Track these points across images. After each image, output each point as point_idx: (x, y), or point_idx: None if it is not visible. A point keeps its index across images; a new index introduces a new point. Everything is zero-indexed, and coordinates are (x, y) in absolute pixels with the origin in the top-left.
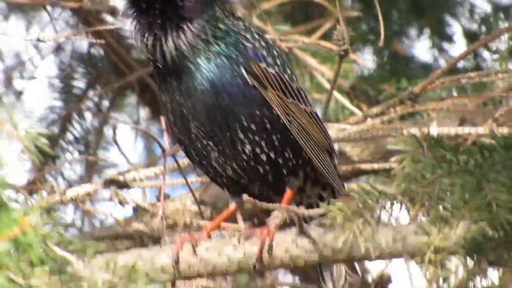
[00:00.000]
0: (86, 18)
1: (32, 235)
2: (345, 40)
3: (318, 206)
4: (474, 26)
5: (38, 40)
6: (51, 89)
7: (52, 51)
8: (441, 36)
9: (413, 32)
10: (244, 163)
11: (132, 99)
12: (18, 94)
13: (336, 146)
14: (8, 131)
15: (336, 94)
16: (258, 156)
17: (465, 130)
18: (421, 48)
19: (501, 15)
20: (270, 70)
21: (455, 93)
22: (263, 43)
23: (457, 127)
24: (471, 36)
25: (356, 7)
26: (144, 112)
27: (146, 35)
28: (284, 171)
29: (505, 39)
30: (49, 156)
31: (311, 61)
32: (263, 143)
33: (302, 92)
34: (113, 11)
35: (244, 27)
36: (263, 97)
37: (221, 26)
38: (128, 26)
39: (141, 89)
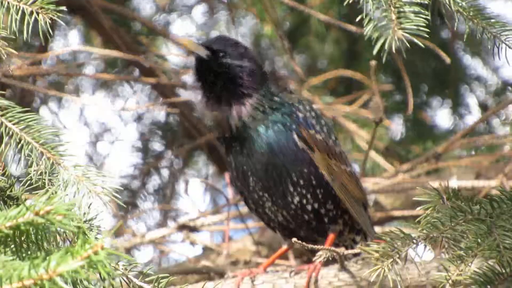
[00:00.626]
0: (163, 91)
1: (103, 254)
2: (380, 109)
3: (353, 248)
4: (486, 98)
5: (123, 109)
6: (132, 150)
7: (133, 120)
8: (459, 105)
9: (436, 102)
10: (293, 212)
11: (201, 158)
12: (103, 157)
13: (372, 197)
14: (88, 186)
15: (372, 154)
16: (304, 206)
17: (480, 183)
18: (443, 115)
19: (509, 88)
20: (318, 136)
21: (472, 152)
22: (312, 113)
23: (473, 181)
24: (483, 106)
25: (389, 81)
26: (211, 169)
27: (214, 109)
28: (326, 219)
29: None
30: (132, 205)
31: (352, 127)
32: (309, 196)
33: (343, 155)
34: (185, 85)
35: (297, 99)
36: (311, 158)
37: (276, 99)
38: (196, 99)
39: (209, 150)
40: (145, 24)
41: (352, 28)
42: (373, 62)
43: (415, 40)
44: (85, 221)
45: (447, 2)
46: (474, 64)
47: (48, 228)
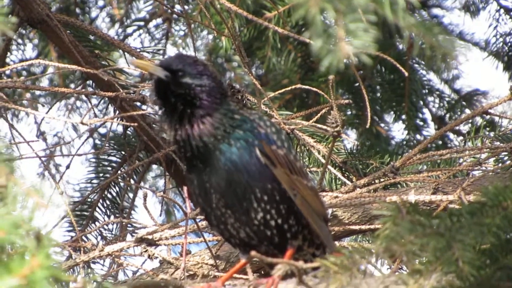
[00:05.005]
0: (120, 105)
1: (40, 273)
2: (338, 123)
3: (312, 262)
4: (442, 112)
5: (82, 123)
6: (89, 164)
7: (89, 133)
8: (415, 118)
9: (391, 115)
10: (256, 227)
11: (158, 172)
12: (60, 170)
13: (330, 211)
14: (37, 201)
15: (330, 168)
16: (268, 222)
17: (438, 197)
18: (398, 128)
19: (463, 103)
20: (279, 151)
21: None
22: (273, 129)
23: (431, 195)
24: (439, 119)
25: (343, 93)
26: (169, 183)
27: (174, 129)
28: (288, 234)
29: (468, 123)
30: (90, 218)
31: (309, 140)
32: (272, 212)
33: (303, 169)
34: (143, 100)
35: (257, 115)
36: (273, 174)
37: (237, 116)
38: (157, 117)
39: (167, 163)
40: (103, 38)
41: (308, 40)
42: (331, 77)
43: (363, 58)
44: (36, 236)
45: (398, 19)
46: (429, 77)
47: None
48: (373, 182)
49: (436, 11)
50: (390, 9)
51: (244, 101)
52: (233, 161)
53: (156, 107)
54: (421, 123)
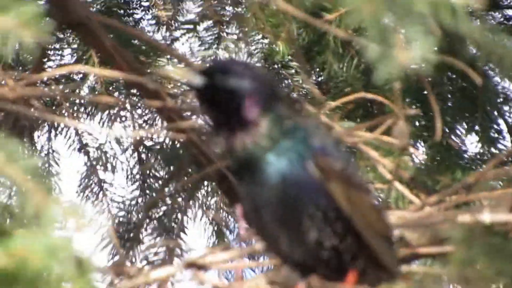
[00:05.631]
0: (169, 115)
1: None
2: (405, 136)
3: (377, 286)
4: None
5: (125, 135)
6: (134, 180)
7: (134, 146)
8: (490, 130)
9: (464, 127)
10: (310, 248)
11: (210, 188)
12: (102, 186)
13: (396, 232)
14: (77, 221)
15: (396, 184)
16: (322, 242)
17: None
18: (472, 141)
19: None
20: (335, 164)
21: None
22: (329, 139)
23: (508, 215)
24: None
25: (411, 103)
26: (221, 201)
27: (219, 138)
28: (346, 256)
29: None
30: (135, 240)
31: (374, 154)
32: (327, 230)
33: (364, 185)
34: (193, 110)
35: (312, 124)
36: (328, 189)
37: (288, 123)
38: (203, 125)
39: (219, 179)
40: (148, 42)
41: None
42: (397, 84)
43: (424, 65)
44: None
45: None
46: (504, 84)
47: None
48: (443, 200)
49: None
50: (450, 13)
51: (301, 110)
52: (282, 174)
53: (205, 118)
54: (496, 135)
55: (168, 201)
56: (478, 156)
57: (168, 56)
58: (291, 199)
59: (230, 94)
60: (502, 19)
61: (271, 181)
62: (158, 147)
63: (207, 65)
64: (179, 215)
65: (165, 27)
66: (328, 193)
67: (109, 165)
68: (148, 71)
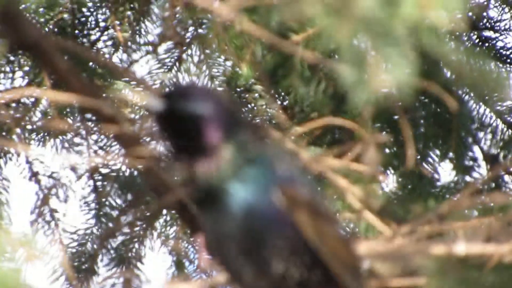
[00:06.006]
0: (126, 142)
1: None
2: (375, 163)
3: None
4: (495, 150)
5: (77, 164)
6: (88, 209)
7: (89, 174)
8: (464, 157)
9: (437, 154)
10: (276, 280)
11: (168, 217)
12: (53, 214)
13: (366, 263)
14: (28, 252)
15: (366, 213)
16: (290, 274)
17: (491, 248)
18: (445, 169)
19: None
20: (302, 193)
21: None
22: (295, 167)
23: (483, 246)
24: (492, 157)
25: (380, 128)
26: (179, 230)
27: (179, 166)
28: None
29: None
30: (90, 271)
31: (342, 182)
32: (294, 262)
33: (332, 215)
34: (152, 135)
35: (278, 151)
36: (295, 220)
37: (252, 150)
38: (163, 151)
39: (179, 208)
40: (104, 64)
41: (338, 69)
42: (366, 110)
43: (402, 89)
44: None
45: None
46: (480, 110)
47: None
48: (415, 230)
49: (488, 33)
50: (429, 35)
51: (265, 137)
52: (246, 203)
53: (164, 144)
54: (471, 163)
55: (126, 230)
56: (452, 185)
57: (126, 79)
58: (256, 229)
59: (191, 119)
60: (478, 41)
61: (235, 211)
62: (114, 174)
63: (168, 89)
64: (137, 245)
65: (123, 48)
66: (295, 223)
67: (62, 194)
68: (105, 95)
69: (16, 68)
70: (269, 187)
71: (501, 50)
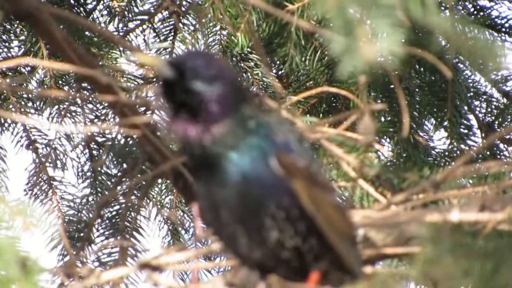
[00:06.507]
0: (122, 110)
1: None
2: (371, 131)
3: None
4: (490, 118)
5: (73, 133)
6: (84, 177)
7: (85, 143)
8: (459, 125)
9: (431, 123)
10: (271, 248)
11: (164, 186)
12: (50, 183)
13: (361, 232)
14: (25, 221)
15: (361, 182)
16: (284, 242)
17: (485, 216)
18: (439, 137)
19: None
20: (299, 161)
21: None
22: (293, 136)
23: (477, 214)
24: (486, 126)
25: (377, 97)
26: (176, 200)
27: (180, 134)
28: (309, 257)
29: None
30: (86, 240)
31: (338, 151)
32: (289, 230)
33: (328, 183)
34: (147, 105)
35: (275, 120)
36: (291, 187)
37: (251, 121)
38: (162, 121)
39: (174, 177)
40: (100, 34)
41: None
42: (362, 77)
43: (390, 58)
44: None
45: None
46: (475, 78)
47: None
48: (410, 198)
49: (483, 2)
50: (420, 5)
51: (263, 106)
52: (243, 172)
53: (162, 112)
54: (466, 131)
55: (121, 199)
56: (447, 153)
57: (122, 48)
58: (252, 197)
59: (199, 95)
60: (473, 10)
61: (232, 179)
62: (110, 143)
63: (179, 56)
64: (133, 214)
65: (118, 18)
66: (291, 191)
67: (58, 162)
68: (101, 63)
69: (13, 37)
70: (267, 156)
71: (496, 19)
